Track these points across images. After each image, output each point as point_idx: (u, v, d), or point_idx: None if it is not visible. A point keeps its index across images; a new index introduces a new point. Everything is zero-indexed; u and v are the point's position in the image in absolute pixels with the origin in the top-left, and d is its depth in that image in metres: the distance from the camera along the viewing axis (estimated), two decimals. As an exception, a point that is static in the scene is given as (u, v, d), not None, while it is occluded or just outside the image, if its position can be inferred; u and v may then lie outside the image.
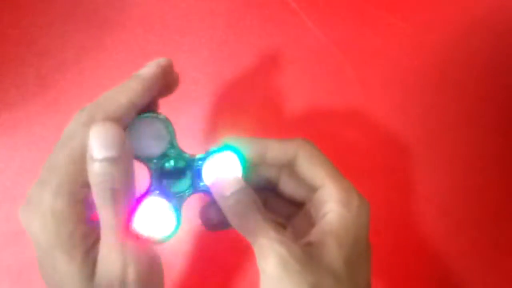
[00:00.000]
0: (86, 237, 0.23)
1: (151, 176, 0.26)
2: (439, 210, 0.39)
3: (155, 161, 0.26)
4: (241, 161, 0.26)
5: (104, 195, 0.22)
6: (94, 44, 0.41)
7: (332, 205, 0.25)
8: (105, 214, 0.23)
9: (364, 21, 0.42)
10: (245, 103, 0.41)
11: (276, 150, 0.27)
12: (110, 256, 0.22)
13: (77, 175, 0.23)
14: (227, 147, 0.26)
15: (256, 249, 0.24)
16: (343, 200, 0.25)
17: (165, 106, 0.40)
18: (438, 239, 0.39)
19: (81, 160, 0.23)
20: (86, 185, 0.23)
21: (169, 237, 0.25)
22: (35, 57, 0.40)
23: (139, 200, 0.25)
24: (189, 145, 0.28)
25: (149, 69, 0.27)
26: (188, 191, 0.26)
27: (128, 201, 0.23)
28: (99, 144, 0.22)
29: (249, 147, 0.27)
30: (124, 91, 0.25)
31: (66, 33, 0.41)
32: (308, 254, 0.23)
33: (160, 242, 0.25)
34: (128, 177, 0.23)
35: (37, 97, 0.40)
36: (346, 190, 0.25)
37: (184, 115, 0.40)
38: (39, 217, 0.22)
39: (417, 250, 0.39)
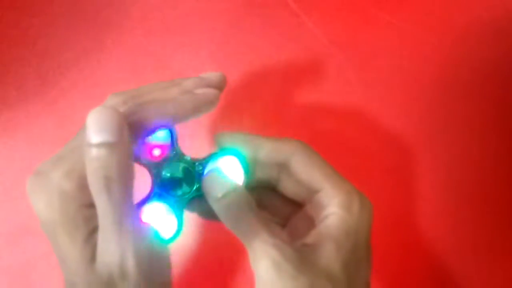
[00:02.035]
0: (88, 220, 0.23)
1: (153, 180, 0.26)
2: (439, 210, 0.39)
3: (157, 165, 0.26)
4: (242, 165, 0.26)
5: (98, 184, 0.21)
6: (94, 45, 0.41)
7: (333, 208, 0.25)
8: (101, 204, 0.22)
9: (364, 22, 0.42)
10: (244, 104, 0.41)
11: (269, 149, 0.26)
12: (109, 246, 0.22)
13: None
14: (229, 151, 0.26)
15: (249, 252, 0.24)
16: (344, 203, 0.24)
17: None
18: (438, 239, 0.39)
19: None
20: None
21: (172, 240, 0.25)
22: (35, 58, 0.40)
23: (141, 204, 0.25)
24: (187, 145, 0.28)
25: (209, 90, 0.26)
26: (190, 194, 0.26)
27: (124, 191, 0.22)
28: (97, 128, 0.21)
29: (242, 143, 0.26)
30: (174, 102, 0.24)
31: (66, 34, 0.41)
32: (303, 256, 0.23)
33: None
34: (125, 166, 0.22)
35: (37, 97, 0.40)
36: (347, 193, 0.25)
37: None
38: (45, 193, 0.22)
39: (417, 250, 0.39)
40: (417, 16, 0.43)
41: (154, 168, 0.26)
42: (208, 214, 0.26)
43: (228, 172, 0.25)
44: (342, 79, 0.41)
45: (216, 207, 0.25)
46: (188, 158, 0.26)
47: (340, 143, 0.40)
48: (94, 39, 0.41)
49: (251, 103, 0.41)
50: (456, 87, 0.41)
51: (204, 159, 0.26)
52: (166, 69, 0.41)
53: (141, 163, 0.26)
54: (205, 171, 0.26)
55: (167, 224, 0.26)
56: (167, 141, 0.26)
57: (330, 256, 0.23)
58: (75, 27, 0.41)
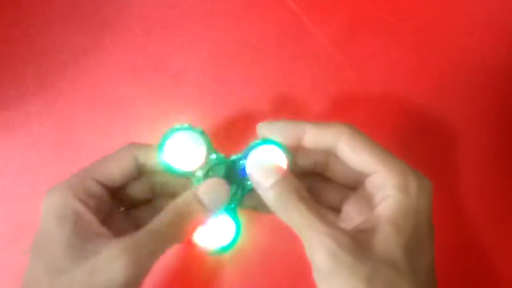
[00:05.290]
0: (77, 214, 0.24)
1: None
2: (439, 210, 0.39)
3: (198, 173, 0.25)
4: (283, 151, 0.25)
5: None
6: (93, 44, 0.41)
7: (389, 190, 0.23)
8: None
9: (364, 22, 0.42)
10: (245, 103, 0.41)
11: (314, 134, 0.25)
12: None
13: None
14: (263, 141, 0.25)
15: (304, 242, 0.23)
16: (400, 185, 0.23)
17: (165, 106, 0.40)
18: (439, 239, 0.39)
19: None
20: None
21: (233, 243, 0.25)
22: (34, 57, 0.40)
23: None
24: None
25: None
26: (238, 194, 0.25)
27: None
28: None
29: (284, 130, 0.25)
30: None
31: (65, 33, 0.41)
32: (360, 243, 0.22)
33: (222, 252, 0.24)
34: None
35: (36, 97, 0.39)
36: (402, 174, 0.23)
37: (184, 115, 0.40)
38: (54, 188, 0.25)
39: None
40: (417, 16, 0.43)
41: (196, 177, 0.25)
42: (260, 206, 0.25)
43: (272, 161, 0.24)
44: (342, 79, 0.41)
45: (266, 199, 0.24)
46: (227, 159, 0.25)
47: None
48: (93, 39, 0.41)
49: (250, 103, 0.41)
50: (456, 87, 0.41)
51: (241, 154, 0.25)
52: (166, 69, 0.41)
53: (181, 175, 0.24)
54: (247, 165, 0.25)
55: (224, 231, 0.25)
56: (203, 147, 0.25)
57: (389, 240, 0.22)
58: (74, 27, 0.41)
